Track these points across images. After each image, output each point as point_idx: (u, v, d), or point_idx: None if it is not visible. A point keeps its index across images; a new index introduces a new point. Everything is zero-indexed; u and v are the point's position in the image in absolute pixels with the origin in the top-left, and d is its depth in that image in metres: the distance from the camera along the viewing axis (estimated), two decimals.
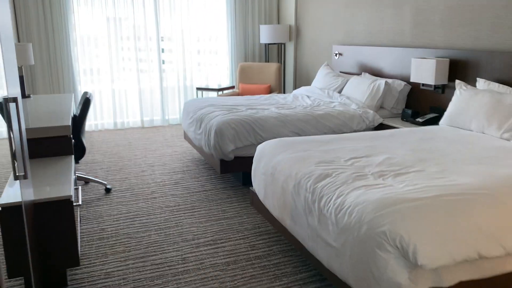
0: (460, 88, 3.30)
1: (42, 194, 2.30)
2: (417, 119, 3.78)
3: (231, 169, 3.73)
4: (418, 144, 2.74)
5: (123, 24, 6.09)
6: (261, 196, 2.70)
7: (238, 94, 6.17)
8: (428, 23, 4.01)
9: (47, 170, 2.64)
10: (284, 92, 6.73)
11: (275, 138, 3.73)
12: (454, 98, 3.31)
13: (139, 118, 6.42)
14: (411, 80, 3.88)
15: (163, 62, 6.44)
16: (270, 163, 2.60)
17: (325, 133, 3.90)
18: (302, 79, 6.36)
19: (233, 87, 6.45)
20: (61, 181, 2.47)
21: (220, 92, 6.20)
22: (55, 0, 5.63)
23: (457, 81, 3.39)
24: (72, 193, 2.35)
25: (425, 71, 3.71)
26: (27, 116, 3.21)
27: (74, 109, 3.87)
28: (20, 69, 4.03)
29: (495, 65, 3.30)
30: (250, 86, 6.15)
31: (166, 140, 5.60)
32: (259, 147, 2.91)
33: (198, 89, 6.20)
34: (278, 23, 6.83)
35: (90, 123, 6.20)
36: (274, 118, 3.79)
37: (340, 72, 5.30)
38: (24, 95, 4.05)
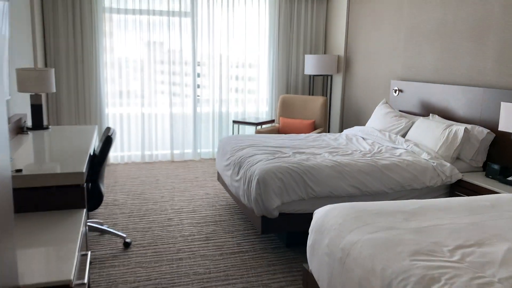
0: None
1: (31, 275, 1.70)
2: (509, 178, 3.03)
3: (275, 228, 3.07)
4: None
5: (157, 47, 5.64)
6: (323, 286, 2.01)
7: (278, 129, 5.56)
8: None
9: (47, 232, 2.05)
10: (329, 130, 6.07)
11: (331, 192, 3.06)
12: None
13: (169, 150, 5.87)
14: (500, 129, 3.15)
15: (198, 86, 5.93)
16: (338, 243, 1.93)
17: (392, 189, 3.20)
18: (351, 117, 5.69)
19: (273, 121, 5.84)
20: (62, 252, 1.87)
21: (258, 127, 5.60)
22: (86, 24, 5.23)
23: None
24: (73, 274, 1.74)
25: None
26: (36, 154, 2.67)
27: (96, 143, 3.32)
28: (39, 97, 3.55)
29: None
30: (292, 121, 5.53)
31: (196, 178, 5.00)
32: (318, 212, 2.25)
33: (234, 122, 5.62)
34: (325, 53, 6.24)
35: (116, 155, 5.68)
36: (330, 168, 3.12)
37: (400, 111, 4.61)
38: (41, 127, 3.56)
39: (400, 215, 2.08)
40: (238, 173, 3.42)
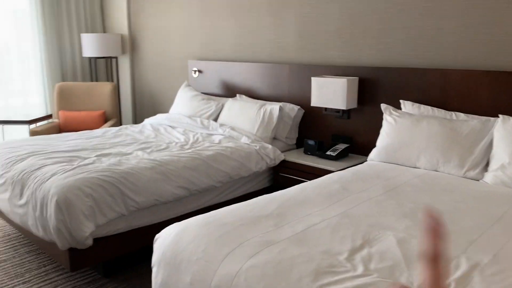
0: (391, 114, 2.68)
1: None
2: (328, 153, 3.05)
3: (90, 260, 2.33)
4: (394, 202, 1.95)
5: None
6: None
7: (59, 126, 4.53)
8: (319, 34, 3.35)
9: None
10: (121, 121, 5.31)
11: (156, 200, 2.49)
12: (386, 127, 2.66)
13: None
14: (312, 104, 3.14)
15: None
16: (209, 280, 1.43)
17: (221, 182, 2.84)
18: (145, 103, 5.09)
19: (50, 116, 4.74)
20: None
21: (32, 125, 4.44)
22: None
23: (383, 105, 2.78)
24: None
25: (332, 93, 3.01)
26: None
27: None
28: None
29: (408, 84, 2.80)
30: (76, 114, 4.59)
31: None
32: (163, 239, 1.68)
33: None
34: (104, 32, 5.39)
35: None
36: (150, 170, 2.53)
37: (202, 93, 4.27)
38: None
39: (266, 220, 1.71)
40: (21, 195, 2.47)
